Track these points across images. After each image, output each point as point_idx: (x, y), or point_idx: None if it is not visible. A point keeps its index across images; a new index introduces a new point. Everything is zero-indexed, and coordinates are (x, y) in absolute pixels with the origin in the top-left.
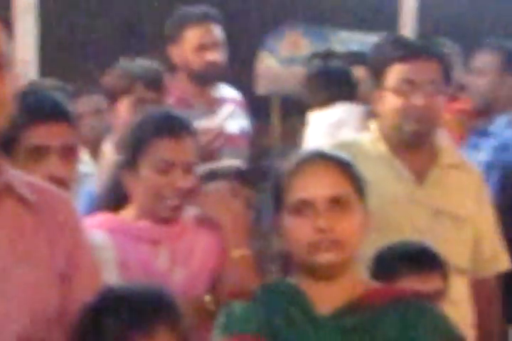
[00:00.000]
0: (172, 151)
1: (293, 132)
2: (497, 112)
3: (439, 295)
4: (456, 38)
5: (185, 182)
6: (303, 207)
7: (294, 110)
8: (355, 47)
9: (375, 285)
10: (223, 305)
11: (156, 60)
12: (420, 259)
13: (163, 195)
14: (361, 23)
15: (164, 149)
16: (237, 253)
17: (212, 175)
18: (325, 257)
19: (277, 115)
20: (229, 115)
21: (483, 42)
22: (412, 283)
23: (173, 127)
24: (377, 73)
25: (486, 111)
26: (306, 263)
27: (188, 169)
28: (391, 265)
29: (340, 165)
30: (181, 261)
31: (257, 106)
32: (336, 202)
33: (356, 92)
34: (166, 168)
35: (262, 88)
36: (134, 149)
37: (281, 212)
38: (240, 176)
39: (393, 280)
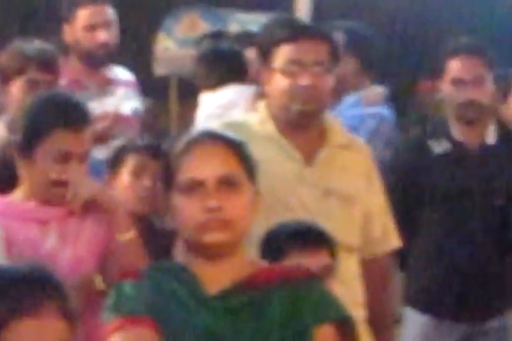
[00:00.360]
0: (70, 143)
1: (190, 112)
2: (344, 92)
3: (327, 271)
4: (352, 20)
5: (79, 170)
6: (192, 187)
7: (192, 91)
8: (253, 28)
9: (264, 264)
10: (112, 285)
11: (53, 41)
12: (307, 237)
13: (57, 182)
14: (259, 5)
15: (63, 140)
16: (125, 235)
17: (123, 150)
18: (214, 237)
19: (175, 96)
20: (123, 98)
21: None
22: (299, 261)
23: (73, 118)
24: (266, 54)
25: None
26: (195, 243)
27: (83, 158)
28: (279, 243)
29: (230, 145)
30: (69, 242)
31: (155, 87)
32: (226, 182)
33: (247, 73)
34: (63, 158)
35: (160, 69)
36: (31, 136)
37: (172, 192)
38: (149, 150)
39: (282, 258)
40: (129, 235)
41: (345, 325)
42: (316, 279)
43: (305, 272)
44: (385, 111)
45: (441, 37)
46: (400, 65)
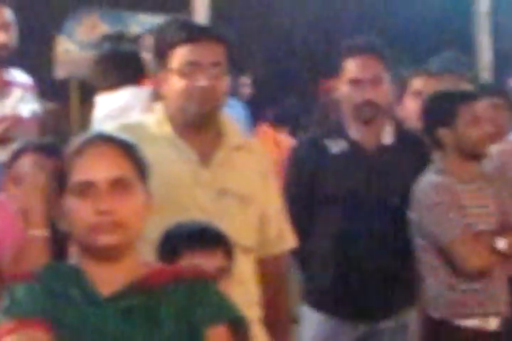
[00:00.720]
0: None
1: (91, 115)
2: None
3: (223, 272)
4: (250, 21)
5: None
6: (84, 189)
7: (93, 93)
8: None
9: (159, 265)
10: (5, 288)
11: None
12: (202, 237)
13: None
14: (158, 6)
15: None
16: (32, 233)
17: (20, 151)
18: (106, 239)
19: (76, 98)
20: (20, 100)
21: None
22: (195, 261)
23: None
24: (162, 55)
25: None
26: (87, 245)
27: None
28: (174, 244)
29: (122, 147)
30: None
31: (56, 90)
32: (118, 184)
33: (145, 75)
34: None
35: (60, 72)
36: None
37: (65, 193)
38: (45, 149)
39: (177, 259)
40: (40, 232)
41: (238, 325)
42: (209, 280)
43: (199, 273)
44: (232, 110)
45: (342, 36)
46: (304, 65)
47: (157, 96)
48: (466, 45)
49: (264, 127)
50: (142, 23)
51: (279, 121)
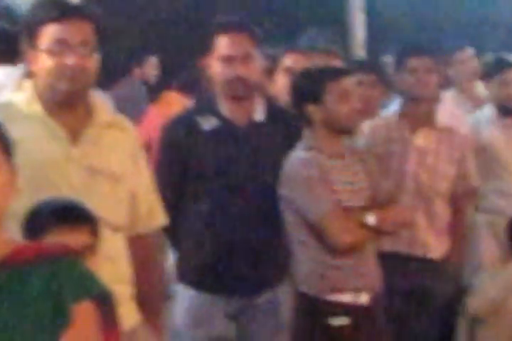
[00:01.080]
0: None
1: None
2: None
3: (89, 249)
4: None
5: None
6: None
7: None
8: None
9: (23, 242)
10: None
11: None
12: (67, 214)
13: None
14: None
15: None
16: None
17: None
18: None
19: None
20: None
21: None
22: (60, 238)
23: None
24: (31, 33)
25: None
26: None
27: None
28: (40, 221)
29: None
30: None
31: None
32: None
33: (19, 54)
34: None
35: None
36: None
37: None
38: None
39: (43, 236)
40: None
41: (104, 301)
42: (73, 256)
43: (63, 249)
44: None
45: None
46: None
47: (29, 74)
48: (339, 22)
49: (171, 94)
50: (21, 3)
51: (186, 89)
